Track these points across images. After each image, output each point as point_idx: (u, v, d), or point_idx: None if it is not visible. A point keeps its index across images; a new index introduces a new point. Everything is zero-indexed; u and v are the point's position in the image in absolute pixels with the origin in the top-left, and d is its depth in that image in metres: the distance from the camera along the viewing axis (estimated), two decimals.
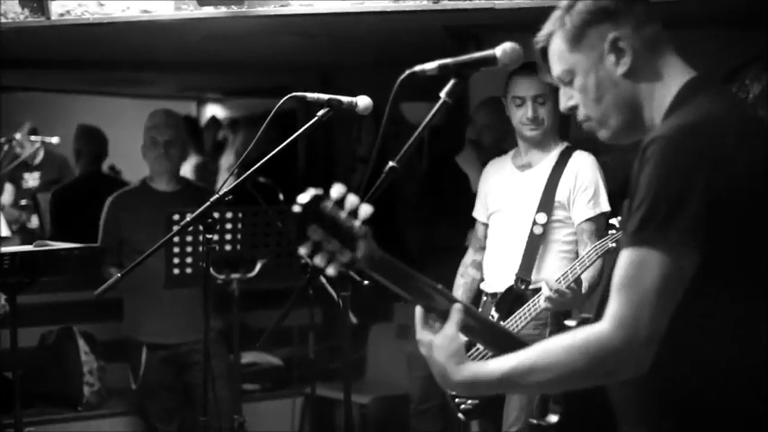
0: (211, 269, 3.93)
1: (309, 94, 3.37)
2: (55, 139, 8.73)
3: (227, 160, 8.71)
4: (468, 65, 2.24)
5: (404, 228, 5.86)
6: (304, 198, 1.80)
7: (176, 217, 4.20)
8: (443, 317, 2.03)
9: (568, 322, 2.29)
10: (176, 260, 4.32)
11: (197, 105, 10.09)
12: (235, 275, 4.36)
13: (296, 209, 1.79)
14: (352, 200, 1.84)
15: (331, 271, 1.87)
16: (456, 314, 2.03)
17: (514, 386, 2.03)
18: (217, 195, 3.32)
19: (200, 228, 4.17)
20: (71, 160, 8.68)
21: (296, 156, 7.21)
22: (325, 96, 3.35)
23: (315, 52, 5.97)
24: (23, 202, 8.62)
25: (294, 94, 3.35)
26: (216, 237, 3.93)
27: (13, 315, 4.63)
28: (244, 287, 4.43)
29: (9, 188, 8.94)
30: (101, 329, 5.84)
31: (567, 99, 2.17)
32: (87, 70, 6.89)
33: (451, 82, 2.26)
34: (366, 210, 1.85)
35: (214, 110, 9.90)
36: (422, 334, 2.06)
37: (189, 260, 4.34)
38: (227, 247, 4.33)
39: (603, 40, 2.06)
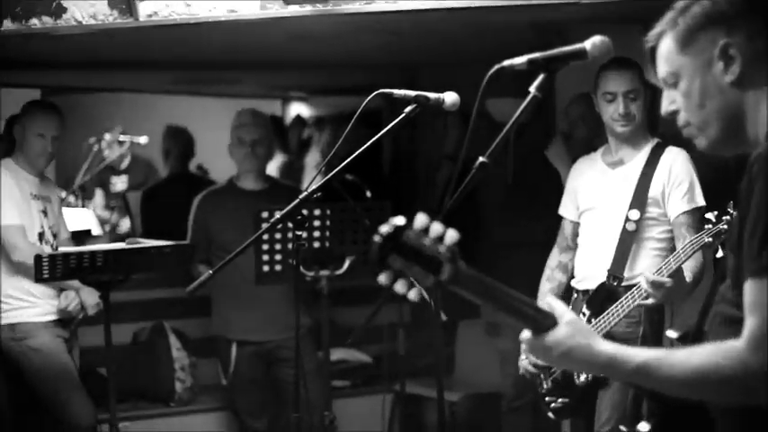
0: (300, 266, 3.95)
1: (396, 91, 3.37)
2: (143, 139, 8.87)
3: (312, 159, 8.76)
4: (558, 59, 2.21)
5: (488, 224, 5.82)
6: (385, 229, 1.77)
7: (265, 214, 4.23)
8: (536, 330, 1.99)
9: (670, 333, 2.23)
10: (266, 257, 4.36)
11: (282, 104, 10.16)
12: (324, 272, 4.37)
13: (376, 239, 1.77)
14: (436, 228, 1.81)
15: (412, 296, 1.86)
16: (555, 302, 2.00)
17: (646, 380, 1.98)
18: (305, 192, 3.33)
19: (290, 225, 4.21)
20: (158, 160, 8.82)
21: (381, 154, 7.22)
22: (413, 93, 3.34)
23: (399, 50, 5.96)
24: (113, 204, 8.78)
25: (381, 90, 3.35)
26: (305, 234, 3.94)
27: (107, 312, 4.71)
28: (332, 284, 4.44)
29: (99, 192, 9.12)
30: (192, 326, 5.92)
31: (669, 103, 2.11)
32: (174, 70, 6.98)
33: (541, 76, 2.23)
34: (452, 235, 1.82)
35: (299, 108, 9.96)
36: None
37: (278, 257, 4.37)
38: (316, 245, 4.35)
39: (714, 45, 2.00)
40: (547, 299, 2.05)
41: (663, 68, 2.10)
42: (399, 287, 1.81)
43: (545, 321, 1.96)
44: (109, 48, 5.42)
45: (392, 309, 4.83)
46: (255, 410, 5.15)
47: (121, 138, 8.96)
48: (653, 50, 2.14)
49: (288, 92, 9.82)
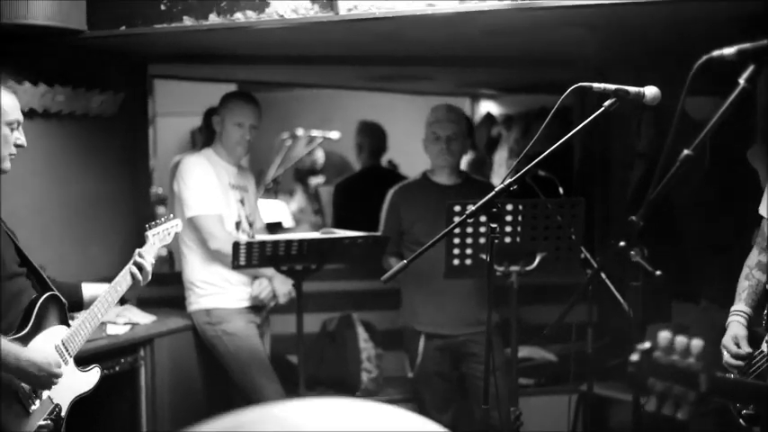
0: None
1: (596, 85, 3.32)
2: (334, 134, 9.05)
3: (500, 156, 8.73)
4: None
5: (683, 223, 5.69)
6: (635, 356, 1.83)
7: (457, 208, 4.24)
8: None
9: None
10: (456, 251, 4.36)
11: (471, 102, 10.16)
12: (514, 268, 4.34)
13: (630, 369, 1.83)
14: (680, 340, 1.83)
15: (682, 415, 1.87)
16: None
17: None
18: (501, 185, 3.32)
19: (483, 219, 4.21)
20: (350, 155, 8.97)
21: (572, 151, 7.14)
22: (612, 86, 3.29)
23: (593, 46, 5.88)
24: (308, 199, 9.01)
25: (581, 84, 3.31)
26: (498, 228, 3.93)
27: (299, 300, 4.82)
28: (521, 281, 4.41)
29: (299, 189, 9.39)
30: (379, 318, 6.00)
31: None
32: (367, 66, 7.06)
33: (750, 68, 2.17)
34: (697, 344, 1.84)
35: (488, 106, 9.95)
36: None
37: (468, 251, 4.36)
38: (507, 240, 4.34)
39: None
40: None
41: None
42: (667, 410, 1.85)
43: None
44: (307, 43, 5.52)
45: (580, 308, 4.76)
46: (440, 404, 5.17)
47: (314, 133, 9.17)
48: None
49: (478, 89, 9.81)
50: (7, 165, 3.31)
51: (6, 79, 4.53)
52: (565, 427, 5.50)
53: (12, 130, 3.29)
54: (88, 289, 3.66)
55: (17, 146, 3.32)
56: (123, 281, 3.63)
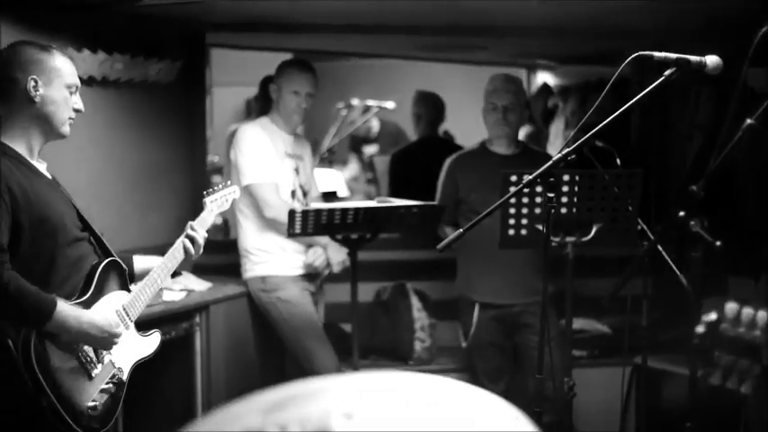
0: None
1: (657, 54, 3.29)
2: (390, 104, 9.03)
3: (556, 128, 8.67)
4: None
5: (744, 196, 5.62)
6: (701, 328, 1.81)
7: (513, 178, 4.23)
8: None
9: None
10: (512, 221, 4.35)
11: (527, 73, 10.09)
12: (570, 239, 4.32)
13: (695, 341, 1.80)
14: (747, 312, 1.80)
15: (745, 389, 1.85)
16: None
17: None
18: (559, 154, 3.30)
19: (539, 189, 4.19)
20: (405, 124, 8.95)
21: (629, 123, 7.07)
22: (673, 55, 3.25)
23: (652, 16, 5.81)
24: (364, 168, 9.02)
25: (641, 53, 3.27)
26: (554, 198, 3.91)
27: (354, 269, 4.83)
28: (577, 252, 4.38)
29: (353, 157, 9.40)
30: (433, 288, 6.00)
31: None
32: (423, 36, 7.04)
33: None
34: (764, 316, 1.80)
35: (545, 77, 9.87)
36: None
37: (524, 221, 4.35)
38: (563, 210, 4.31)
39: None
40: None
41: None
42: (731, 383, 1.83)
43: None
44: (364, 12, 5.52)
45: (636, 280, 4.72)
46: (494, 374, 5.17)
47: (369, 102, 9.16)
48: None
49: (534, 60, 9.73)
50: (66, 129, 3.35)
51: (66, 47, 4.58)
52: (618, 399, 5.48)
53: (71, 93, 3.32)
54: (140, 262, 3.68)
55: (75, 110, 3.35)
56: (177, 253, 3.65)
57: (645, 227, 4.43)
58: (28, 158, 3.27)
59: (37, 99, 3.24)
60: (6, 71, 3.25)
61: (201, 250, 3.73)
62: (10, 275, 3.02)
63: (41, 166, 3.33)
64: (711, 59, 3.24)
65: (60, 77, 3.28)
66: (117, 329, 3.30)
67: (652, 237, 4.20)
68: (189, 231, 3.70)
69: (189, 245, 3.67)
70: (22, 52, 3.27)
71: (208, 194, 3.90)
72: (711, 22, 5.74)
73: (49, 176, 3.37)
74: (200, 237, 3.70)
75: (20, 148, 3.26)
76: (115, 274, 3.43)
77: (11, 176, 3.13)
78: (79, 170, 4.91)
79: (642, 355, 4.89)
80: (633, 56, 3.26)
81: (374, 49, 8.83)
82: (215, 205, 3.91)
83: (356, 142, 9.71)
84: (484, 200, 4.62)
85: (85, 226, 3.42)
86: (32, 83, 3.23)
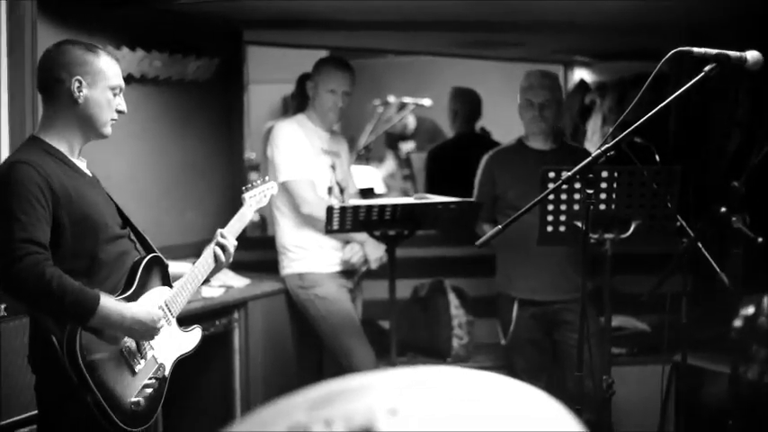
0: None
1: (696, 49, 3.27)
2: (426, 101, 9.03)
3: (594, 124, 8.63)
4: None
5: None
6: (738, 322, 1.81)
7: (552, 174, 4.21)
8: None
9: None
10: (550, 218, 4.34)
11: (564, 69, 10.05)
12: (608, 235, 4.30)
13: (733, 335, 1.80)
14: None
15: None
16: None
17: None
18: (598, 150, 3.29)
19: (578, 186, 4.18)
20: (441, 121, 8.94)
21: (668, 119, 7.02)
22: (713, 51, 3.24)
23: (686, 12, 5.77)
24: (401, 165, 9.02)
25: (680, 48, 3.26)
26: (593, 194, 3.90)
27: (392, 266, 4.84)
28: (615, 249, 4.36)
29: (389, 154, 9.40)
30: (471, 285, 5.98)
31: None
32: (459, 32, 7.03)
33: None
34: None
35: (581, 74, 9.82)
36: None
37: (562, 218, 4.33)
38: (602, 207, 4.29)
39: None
40: None
41: None
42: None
43: None
44: (400, 9, 5.52)
45: (675, 277, 4.69)
46: (533, 371, 5.15)
47: (405, 99, 9.16)
48: None
49: (571, 56, 9.69)
50: (108, 130, 3.36)
51: (105, 44, 4.61)
52: (657, 397, 5.45)
53: (114, 95, 3.34)
54: (170, 267, 3.66)
55: (118, 112, 3.37)
56: (209, 256, 3.61)
57: (684, 223, 4.40)
58: (69, 157, 3.29)
59: (80, 100, 3.25)
60: (51, 71, 3.27)
61: (232, 258, 3.68)
62: (53, 272, 3.04)
63: (82, 165, 3.36)
64: (752, 55, 3.22)
65: (105, 79, 3.29)
66: (159, 323, 3.32)
67: (691, 233, 4.18)
68: (219, 239, 3.62)
69: (219, 252, 3.61)
70: (67, 52, 3.28)
71: (246, 190, 3.91)
72: (747, 16, 5.70)
73: (90, 174, 3.39)
74: (231, 244, 3.63)
75: (61, 146, 3.28)
76: (157, 270, 3.44)
77: (53, 175, 3.15)
78: (118, 167, 4.95)
79: (682, 352, 4.85)
80: (673, 51, 3.24)
81: (410, 46, 8.83)
82: (254, 201, 3.91)
83: (392, 139, 9.71)
84: (522, 196, 4.61)
85: (126, 223, 3.44)
86: (77, 84, 3.24)
